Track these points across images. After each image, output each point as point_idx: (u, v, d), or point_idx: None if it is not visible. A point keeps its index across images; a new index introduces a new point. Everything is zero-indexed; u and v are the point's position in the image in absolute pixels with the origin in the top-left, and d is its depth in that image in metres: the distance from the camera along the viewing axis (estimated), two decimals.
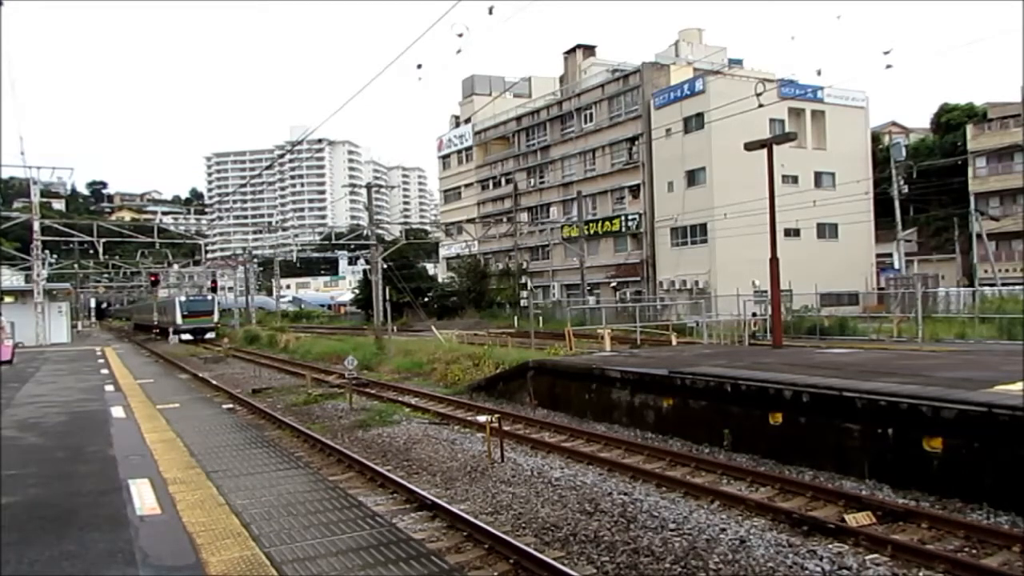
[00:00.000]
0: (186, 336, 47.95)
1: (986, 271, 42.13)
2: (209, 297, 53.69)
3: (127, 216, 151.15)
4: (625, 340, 26.95)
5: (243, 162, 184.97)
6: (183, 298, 51.02)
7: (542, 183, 58.57)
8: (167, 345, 45.17)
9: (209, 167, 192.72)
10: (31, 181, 38.79)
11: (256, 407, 18.17)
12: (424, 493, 9.51)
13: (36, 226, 37.31)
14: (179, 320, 48.33)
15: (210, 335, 49.04)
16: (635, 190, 49.83)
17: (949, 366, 13.00)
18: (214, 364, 32.70)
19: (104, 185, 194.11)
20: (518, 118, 60.85)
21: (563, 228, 53.33)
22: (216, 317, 51.55)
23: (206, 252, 73.23)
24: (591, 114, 53.26)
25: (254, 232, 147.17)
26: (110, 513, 6.68)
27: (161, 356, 36.42)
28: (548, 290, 56.01)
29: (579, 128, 54.29)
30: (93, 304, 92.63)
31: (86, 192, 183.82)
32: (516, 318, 41.86)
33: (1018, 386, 10.01)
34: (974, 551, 7.44)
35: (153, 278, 61.10)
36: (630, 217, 49.70)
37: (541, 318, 40.41)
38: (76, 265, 66.98)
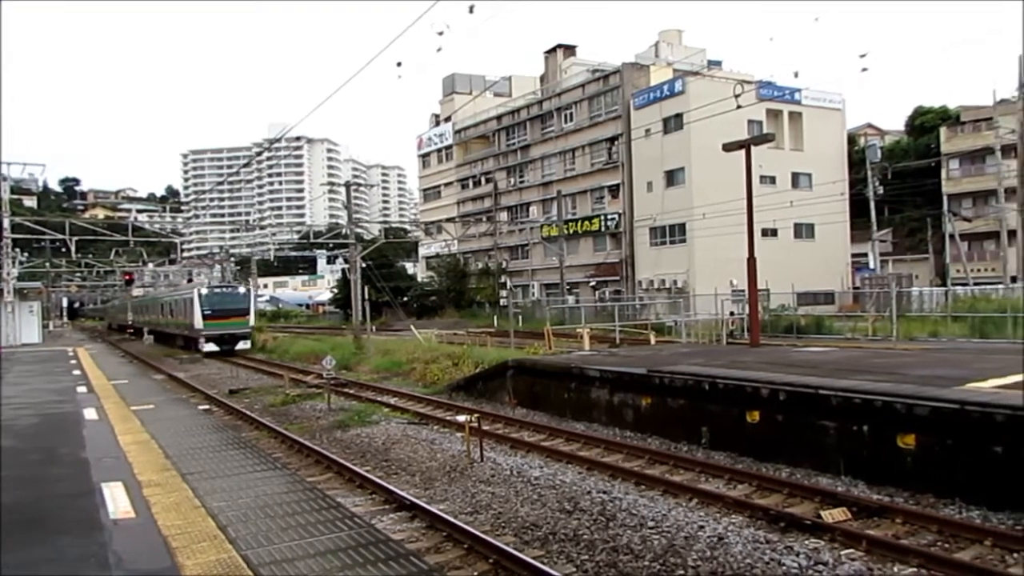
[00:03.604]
0: (211, 346, 34.44)
1: (959, 271, 42.86)
2: (241, 290, 38.78)
3: (101, 214, 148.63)
4: (604, 339, 27.06)
5: (220, 159, 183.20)
6: (205, 291, 36.33)
7: (522, 182, 58.61)
8: (141, 345, 44.45)
9: (185, 164, 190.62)
10: (1, 177, 38.09)
11: (233, 408, 17.99)
12: (403, 493, 9.48)
13: (6, 223, 36.68)
14: (199, 323, 34.84)
15: (244, 344, 35.63)
16: (615, 190, 50.03)
17: (922, 364, 13.19)
18: (190, 364, 32.31)
19: (77, 182, 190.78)
20: (498, 117, 60.83)
21: (543, 227, 53.44)
22: (253, 318, 37.61)
23: (182, 251, 72.33)
24: (571, 114, 53.38)
25: (231, 231, 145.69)
26: (83, 517, 6.58)
27: (135, 356, 35.92)
28: (528, 289, 56.03)
29: (559, 128, 54.39)
30: (65, 303, 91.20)
31: (58, 189, 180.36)
32: (496, 317, 41.88)
33: (989, 383, 10.20)
34: (947, 545, 7.56)
35: (127, 277, 60.24)
36: (609, 217, 49.90)
37: (521, 317, 40.41)
38: (48, 264, 65.84)
